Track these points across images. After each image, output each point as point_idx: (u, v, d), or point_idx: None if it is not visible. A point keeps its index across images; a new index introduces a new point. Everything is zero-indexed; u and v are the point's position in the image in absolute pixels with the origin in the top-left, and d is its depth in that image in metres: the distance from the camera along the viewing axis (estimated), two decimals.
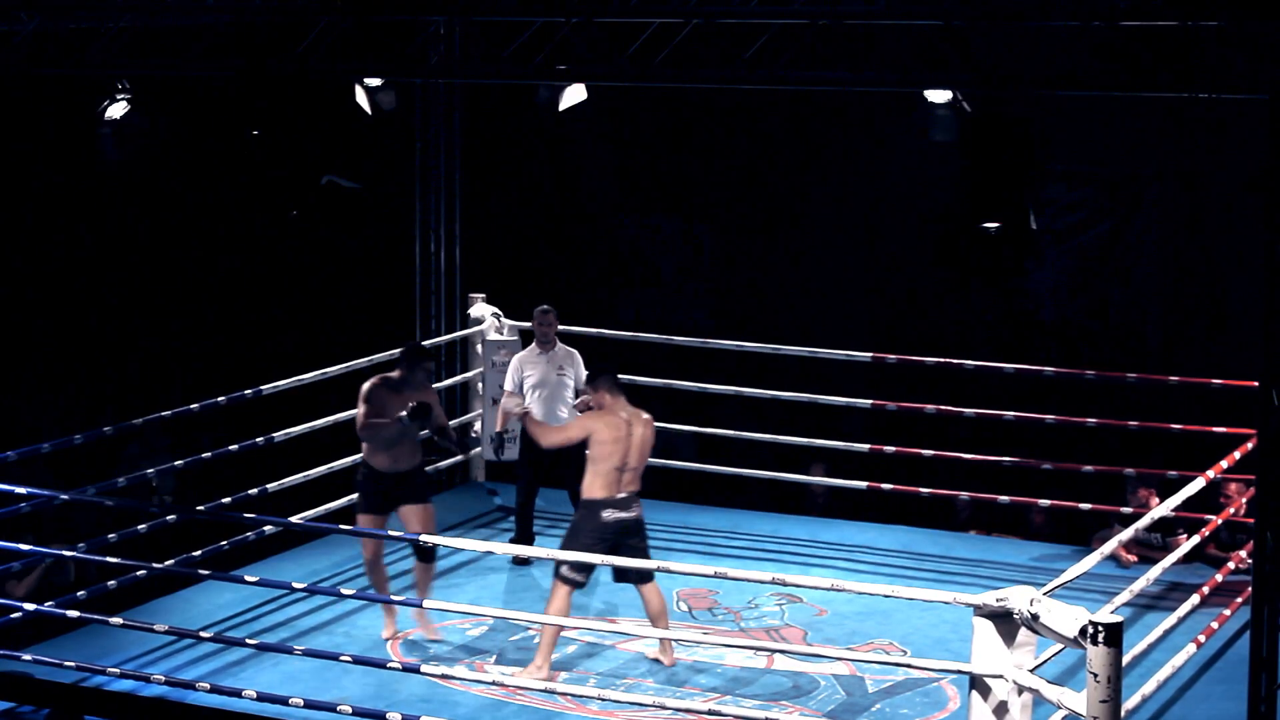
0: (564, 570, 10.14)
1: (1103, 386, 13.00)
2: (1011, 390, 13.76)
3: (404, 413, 10.67)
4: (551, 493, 13.77)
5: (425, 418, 10.70)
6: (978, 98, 10.07)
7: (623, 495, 10.25)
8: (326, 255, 17.36)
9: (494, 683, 9.94)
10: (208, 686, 9.71)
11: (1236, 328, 14.97)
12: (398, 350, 11.22)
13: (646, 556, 10.26)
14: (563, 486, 11.97)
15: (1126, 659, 8.42)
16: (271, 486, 11.89)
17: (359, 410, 10.82)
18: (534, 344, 12.29)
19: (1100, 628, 7.92)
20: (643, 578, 10.33)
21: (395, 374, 10.92)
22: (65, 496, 10.68)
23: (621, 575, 10.39)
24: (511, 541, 12.22)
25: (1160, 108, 14.36)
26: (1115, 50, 9.17)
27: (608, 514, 10.22)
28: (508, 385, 12.14)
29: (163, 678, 9.85)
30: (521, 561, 12.13)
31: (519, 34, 10.50)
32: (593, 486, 10.25)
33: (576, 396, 11.95)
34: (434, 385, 11.40)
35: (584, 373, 12.01)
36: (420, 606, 10.23)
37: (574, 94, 12.06)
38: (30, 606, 10.41)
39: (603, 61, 10.18)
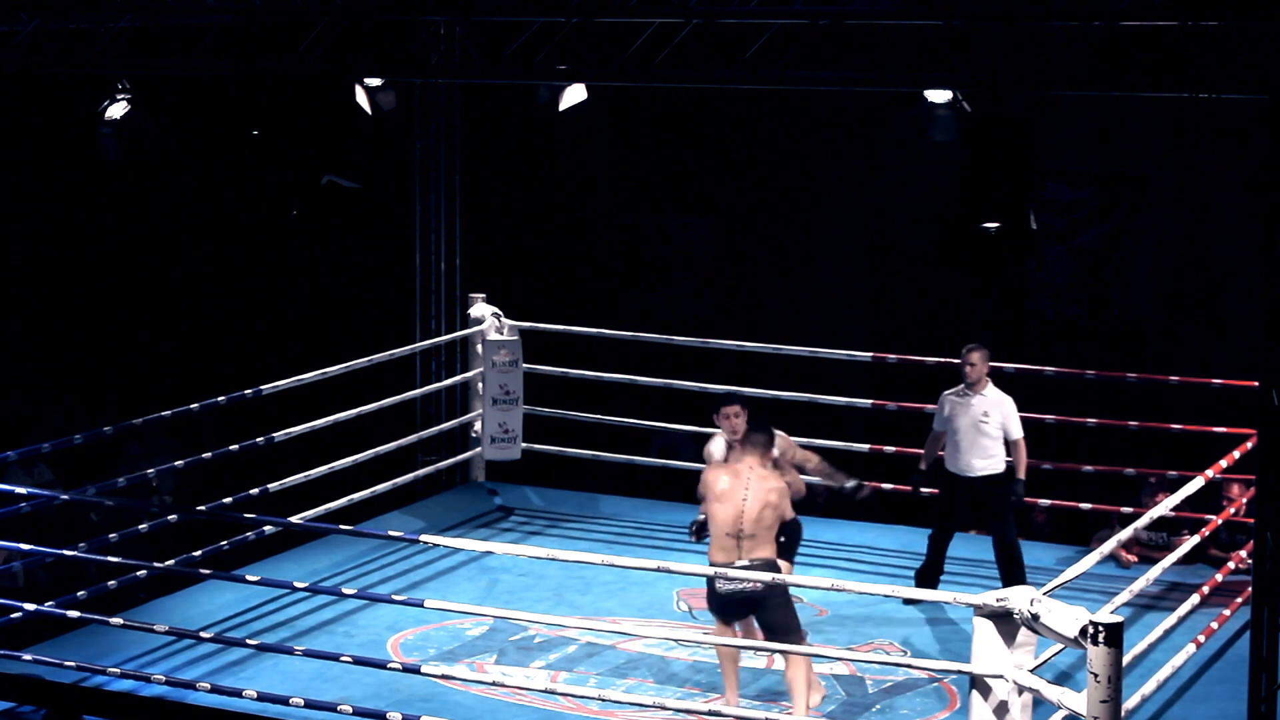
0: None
1: (1103, 386, 13.01)
2: (1011, 390, 13.75)
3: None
4: (552, 492, 13.79)
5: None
6: (978, 98, 10.07)
7: (742, 562, 9.59)
8: (326, 255, 17.36)
9: (494, 683, 9.93)
10: (208, 686, 9.71)
11: (1236, 328, 14.97)
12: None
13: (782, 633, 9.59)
14: (986, 531, 11.52)
15: (1126, 659, 8.42)
16: (272, 486, 11.88)
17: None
18: (961, 383, 11.41)
19: (1100, 628, 7.92)
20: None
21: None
22: (65, 496, 10.68)
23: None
24: (916, 578, 11.53)
25: (1160, 108, 14.36)
26: (1115, 50, 9.17)
27: (720, 584, 9.58)
28: (935, 424, 11.44)
29: (163, 678, 9.85)
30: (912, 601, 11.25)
31: (519, 34, 10.50)
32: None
33: (1007, 448, 11.21)
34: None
35: (1014, 423, 11.24)
36: (421, 606, 10.19)
37: (574, 94, 12.05)
38: (30, 606, 10.41)
39: (603, 61, 10.18)
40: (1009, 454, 11.36)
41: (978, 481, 11.29)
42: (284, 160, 16.90)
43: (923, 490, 11.64)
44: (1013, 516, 11.35)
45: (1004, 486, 11.28)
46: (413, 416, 13.86)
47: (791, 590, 11.51)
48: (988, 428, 11.24)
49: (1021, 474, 11.30)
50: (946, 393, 11.43)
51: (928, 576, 11.48)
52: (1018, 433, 11.27)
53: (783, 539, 10.26)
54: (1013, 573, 11.21)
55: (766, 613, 9.59)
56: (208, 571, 10.82)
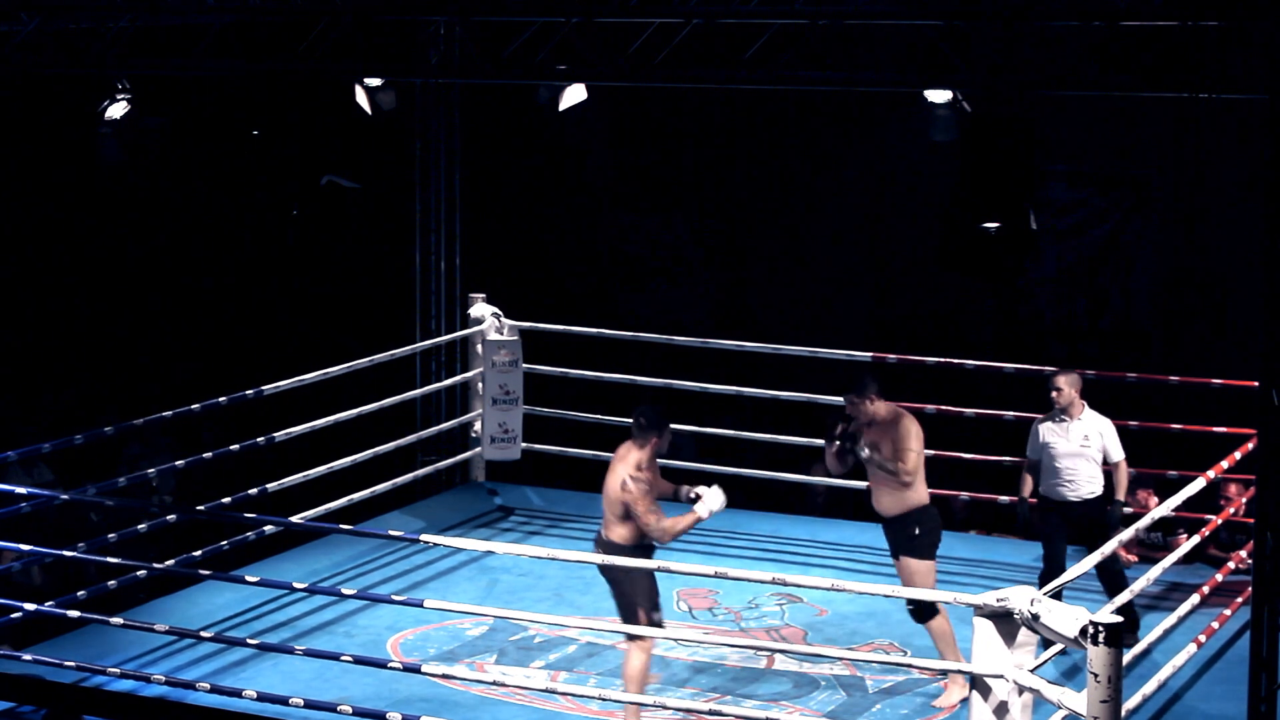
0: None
1: (1103, 386, 13.00)
2: (1011, 390, 13.77)
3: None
4: (552, 492, 13.79)
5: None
6: (978, 98, 10.07)
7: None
8: (326, 255, 17.38)
9: (494, 683, 9.93)
10: (208, 686, 9.71)
11: (1236, 328, 14.97)
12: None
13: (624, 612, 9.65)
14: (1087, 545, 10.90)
15: (1126, 659, 8.42)
16: (271, 486, 11.88)
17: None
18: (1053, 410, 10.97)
19: (1100, 628, 7.92)
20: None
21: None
22: (65, 496, 10.68)
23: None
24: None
25: (1160, 108, 14.36)
26: (1115, 50, 9.17)
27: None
28: (1029, 453, 10.99)
29: (163, 678, 9.85)
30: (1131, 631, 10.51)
31: (519, 34, 10.51)
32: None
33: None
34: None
35: (1115, 445, 10.84)
36: (421, 606, 10.19)
37: (574, 94, 12.05)
38: (30, 606, 10.41)
39: (603, 61, 10.18)
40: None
41: (1081, 505, 10.89)
42: (284, 160, 16.92)
43: (1028, 519, 11.14)
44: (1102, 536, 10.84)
45: (1105, 508, 10.91)
46: (413, 416, 13.87)
47: (792, 590, 11.57)
48: (1090, 452, 10.86)
49: (1122, 495, 10.92)
50: (1039, 421, 11.00)
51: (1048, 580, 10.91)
52: (1118, 454, 10.88)
53: (918, 530, 10.15)
54: (1117, 589, 10.58)
55: (613, 596, 9.67)
56: (208, 571, 10.82)
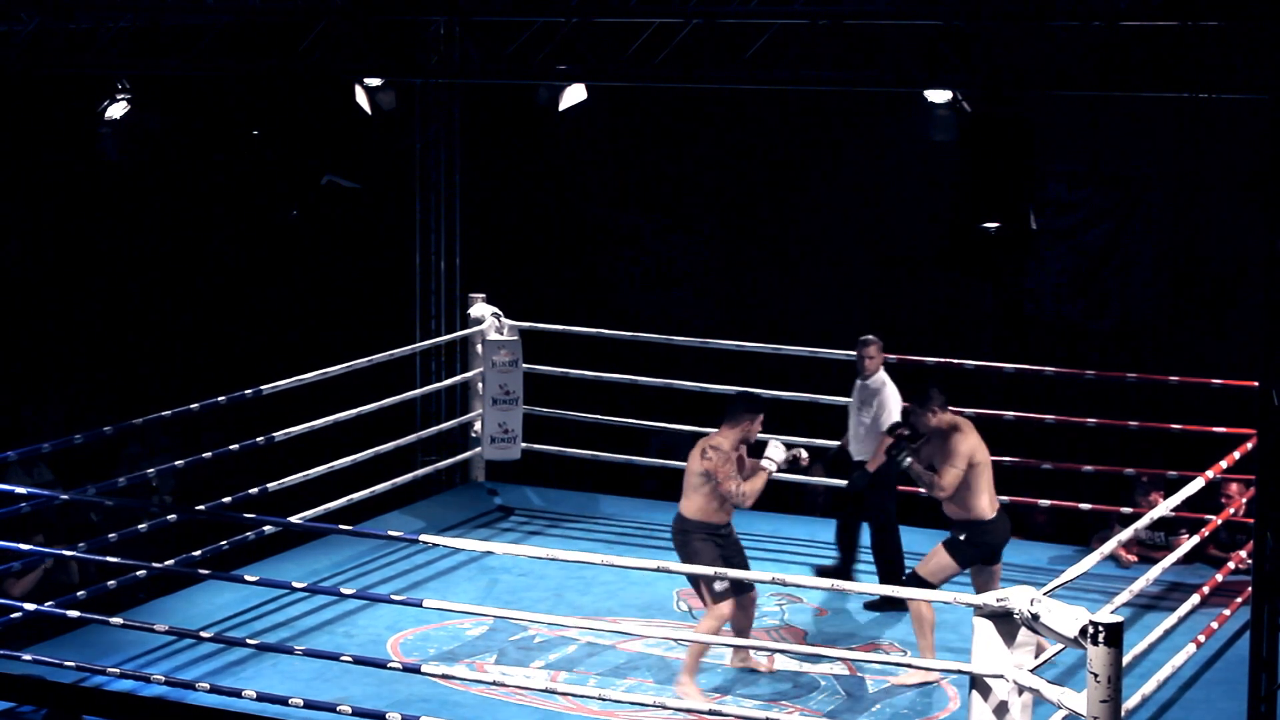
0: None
1: (1103, 386, 13.00)
2: (1011, 390, 13.77)
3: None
4: (552, 492, 13.79)
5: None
6: (978, 98, 10.06)
7: None
8: (326, 255, 17.36)
9: (494, 683, 9.93)
10: (208, 686, 9.71)
11: (1236, 328, 14.96)
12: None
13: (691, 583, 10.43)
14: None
15: (1126, 659, 8.42)
16: (272, 486, 11.88)
17: None
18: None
19: (1100, 628, 7.92)
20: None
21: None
22: (65, 496, 10.68)
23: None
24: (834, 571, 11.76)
25: (1160, 108, 14.35)
26: (1115, 50, 9.17)
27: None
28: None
29: (163, 678, 9.85)
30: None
31: (519, 34, 10.51)
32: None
33: (889, 436, 10.92)
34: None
35: (890, 411, 11.40)
36: (420, 606, 10.20)
37: (574, 94, 12.06)
38: (30, 606, 10.41)
39: (603, 61, 10.19)
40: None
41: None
42: (284, 160, 16.89)
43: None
44: (864, 505, 11.62)
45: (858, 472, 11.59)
46: (413, 416, 13.87)
47: (792, 590, 11.57)
48: (863, 417, 11.55)
49: (871, 465, 11.50)
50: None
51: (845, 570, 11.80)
52: (889, 422, 11.37)
53: (963, 537, 10.23)
54: (850, 561, 11.72)
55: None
56: (207, 571, 10.82)
